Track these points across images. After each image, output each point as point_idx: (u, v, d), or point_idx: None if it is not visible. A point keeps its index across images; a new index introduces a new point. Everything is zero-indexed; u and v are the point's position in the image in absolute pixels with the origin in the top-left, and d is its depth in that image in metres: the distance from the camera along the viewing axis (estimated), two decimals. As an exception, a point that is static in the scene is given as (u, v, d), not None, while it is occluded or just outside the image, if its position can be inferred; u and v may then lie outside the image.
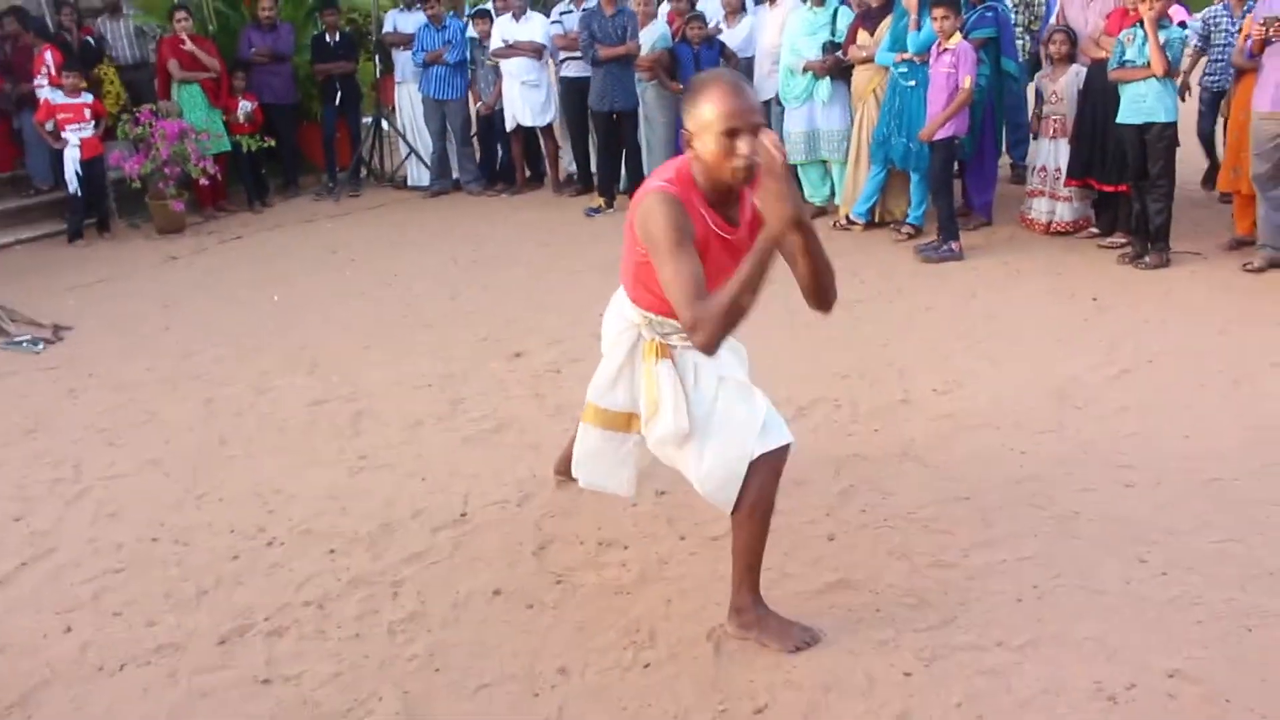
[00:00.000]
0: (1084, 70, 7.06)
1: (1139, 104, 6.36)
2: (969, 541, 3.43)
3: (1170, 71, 6.23)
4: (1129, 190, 6.73)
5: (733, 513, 2.86)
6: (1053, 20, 7.63)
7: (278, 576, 3.40)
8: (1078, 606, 3.07)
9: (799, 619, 3.01)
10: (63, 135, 8.33)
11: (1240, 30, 6.26)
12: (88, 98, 8.49)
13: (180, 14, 9.19)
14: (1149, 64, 6.21)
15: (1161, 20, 6.18)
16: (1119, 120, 6.49)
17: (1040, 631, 2.96)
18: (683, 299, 2.49)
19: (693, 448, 2.86)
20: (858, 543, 3.47)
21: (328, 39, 9.93)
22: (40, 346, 5.87)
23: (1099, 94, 6.84)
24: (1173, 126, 6.34)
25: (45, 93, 8.43)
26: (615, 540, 3.54)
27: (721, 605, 3.09)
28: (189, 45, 9.13)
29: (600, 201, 8.93)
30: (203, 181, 8.90)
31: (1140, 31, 6.27)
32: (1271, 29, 5.97)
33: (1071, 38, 7.20)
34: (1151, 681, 2.72)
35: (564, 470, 3.68)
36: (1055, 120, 7.23)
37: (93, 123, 8.46)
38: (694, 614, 3.09)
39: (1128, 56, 6.36)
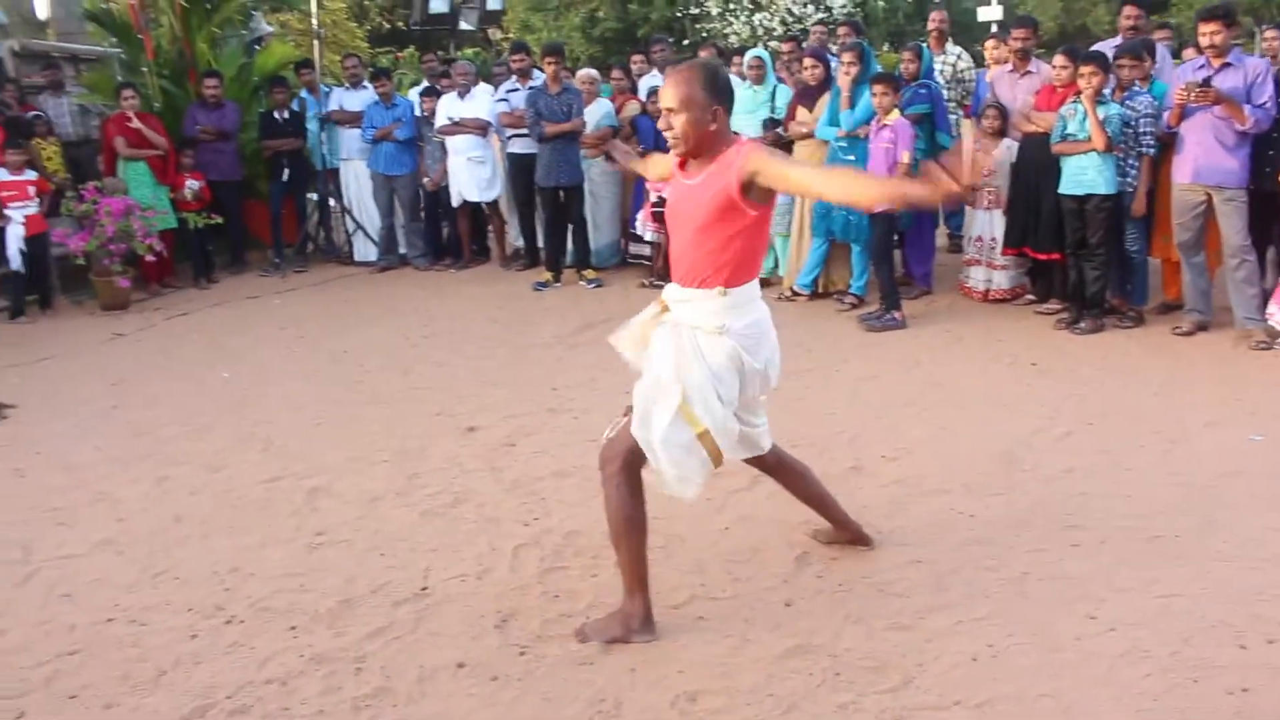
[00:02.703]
0: (1015, 144, 7.34)
1: (1080, 176, 6.63)
2: (924, 604, 3.50)
3: (1110, 146, 6.49)
4: (1063, 258, 6.97)
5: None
6: (985, 96, 7.92)
7: (238, 655, 3.37)
8: (1032, 664, 3.15)
9: (760, 685, 3.06)
10: (5, 212, 8.27)
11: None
12: (31, 174, 8.46)
13: (127, 91, 9.23)
14: (1090, 138, 6.47)
15: (1100, 96, 6.47)
16: (1061, 191, 6.74)
17: (997, 690, 3.03)
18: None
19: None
20: (815, 608, 3.53)
21: (276, 115, 10.00)
22: (-16, 427, 5.78)
23: (1032, 166, 7.12)
24: (1113, 198, 6.59)
25: (-12, 171, 8.38)
26: (576, 611, 3.56)
27: (685, 672, 3.14)
28: (136, 123, 9.15)
29: (548, 276, 9.03)
30: (148, 258, 8.86)
31: (1080, 107, 6.54)
32: (1192, 94, 6.24)
33: (1003, 113, 7.49)
34: (1106, 736, 2.80)
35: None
36: (989, 192, 7.49)
37: (36, 200, 8.42)
38: (658, 682, 3.12)
39: (1069, 130, 6.64)
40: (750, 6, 22.69)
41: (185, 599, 3.75)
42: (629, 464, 3.25)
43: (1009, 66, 7.77)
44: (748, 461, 3.63)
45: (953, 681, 3.08)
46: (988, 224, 7.56)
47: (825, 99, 7.71)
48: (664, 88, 3.18)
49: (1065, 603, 3.49)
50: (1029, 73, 7.57)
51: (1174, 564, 3.73)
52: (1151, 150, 6.56)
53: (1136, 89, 6.67)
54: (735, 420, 3.28)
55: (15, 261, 8.31)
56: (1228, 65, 6.29)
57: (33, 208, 8.37)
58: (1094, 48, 7.09)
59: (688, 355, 3.17)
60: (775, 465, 3.70)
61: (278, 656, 3.34)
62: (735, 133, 3.22)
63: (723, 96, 3.15)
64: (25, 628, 3.60)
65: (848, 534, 3.89)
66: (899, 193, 3.13)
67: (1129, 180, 6.69)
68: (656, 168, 3.88)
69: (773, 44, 9.77)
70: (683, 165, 3.27)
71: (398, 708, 3.06)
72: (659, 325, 3.31)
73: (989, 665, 3.16)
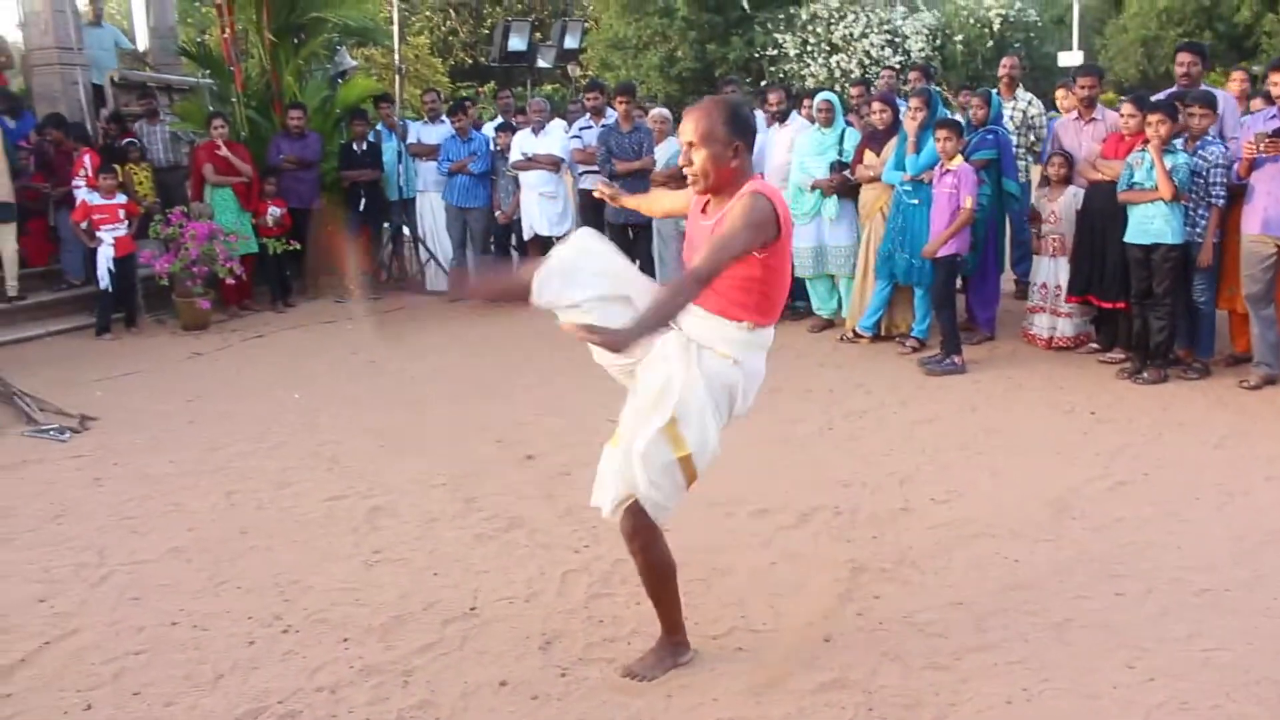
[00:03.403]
0: (1081, 191, 7.33)
1: (1147, 225, 6.60)
2: (962, 645, 3.53)
3: (1177, 195, 6.46)
4: (1128, 307, 6.94)
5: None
6: (1048, 145, 7.93)
7: (292, 663, 3.52)
8: (1067, 710, 3.17)
9: (792, 716, 3.13)
10: (97, 234, 8.66)
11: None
12: (122, 198, 8.85)
13: (217, 121, 9.64)
14: (1157, 187, 6.46)
15: (1168, 145, 6.45)
16: (1126, 240, 6.72)
17: (1029, 733, 3.05)
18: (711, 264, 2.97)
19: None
20: (853, 644, 3.58)
21: (355, 147, 10.32)
22: (67, 436, 6.05)
23: (1097, 214, 7.10)
24: (1180, 248, 6.55)
25: (82, 194, 8.77)
26: (619, 636, 3.65)
27: (720, 701, 3.21)
28: (224, 151, 9.52)
29: (613, 309, 9.14)
30: (229, 281, 9.20)
31: (1147, 155, 6.53)
32: (1262, 145, 6.20)
33: (1069, 161, 7.49)
34: (1135, 784, 2.81)
35: None
36: (1054, 239, 7.48)
37: (126, 222, 8.80)
38: (693, 709, 3.19)
39: (1136, 179, 6.62)
40: (828, 49, 22.82)
41: (246, 607, 3.91)
42: (639, 523, 3.20)
43: (1074, 114, 7.78)
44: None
45: (986, 723, 3.11)
46: (1053, 271, 7.55)
47: (893, 143, 7.77)
48: (684, 122, 3.15)
49: (1105, 651, 3.50)
50: (1094, 120, 7.57)
51: (1221, 618, 3.71)
52: (1221, 201, 6.51)
53: (1209, 139, 6.63)
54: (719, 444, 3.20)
55: (104, 281, 8.69)
56: (1299, 116, 6.25)
57: (122, 230, 8.75)
58: (1154, 97, 7.07)
59: (691, 372, 3.14)
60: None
61: (329, 666, 3.48)
62: (758, 173, 3.21)
63: (743, 133, 3.12)
64: (97, 627, 3.79)
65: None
66: (654, 315, 2.92)
67: (1198, 230, 6.64)
68: (662, 202, 3.90)
69: (849, 87, 9.90)
70: (705, 204, 3.26)
71: (441, 721, 3.17)
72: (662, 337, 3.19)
73: (1023, 708, 3.19)
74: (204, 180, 9.58)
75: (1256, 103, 6.90)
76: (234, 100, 10.66)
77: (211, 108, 10.73)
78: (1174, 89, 7.24)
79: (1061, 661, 3.44)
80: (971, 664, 3.43)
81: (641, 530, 3.20)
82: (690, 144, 3.12)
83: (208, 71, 11.63)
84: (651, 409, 3.14)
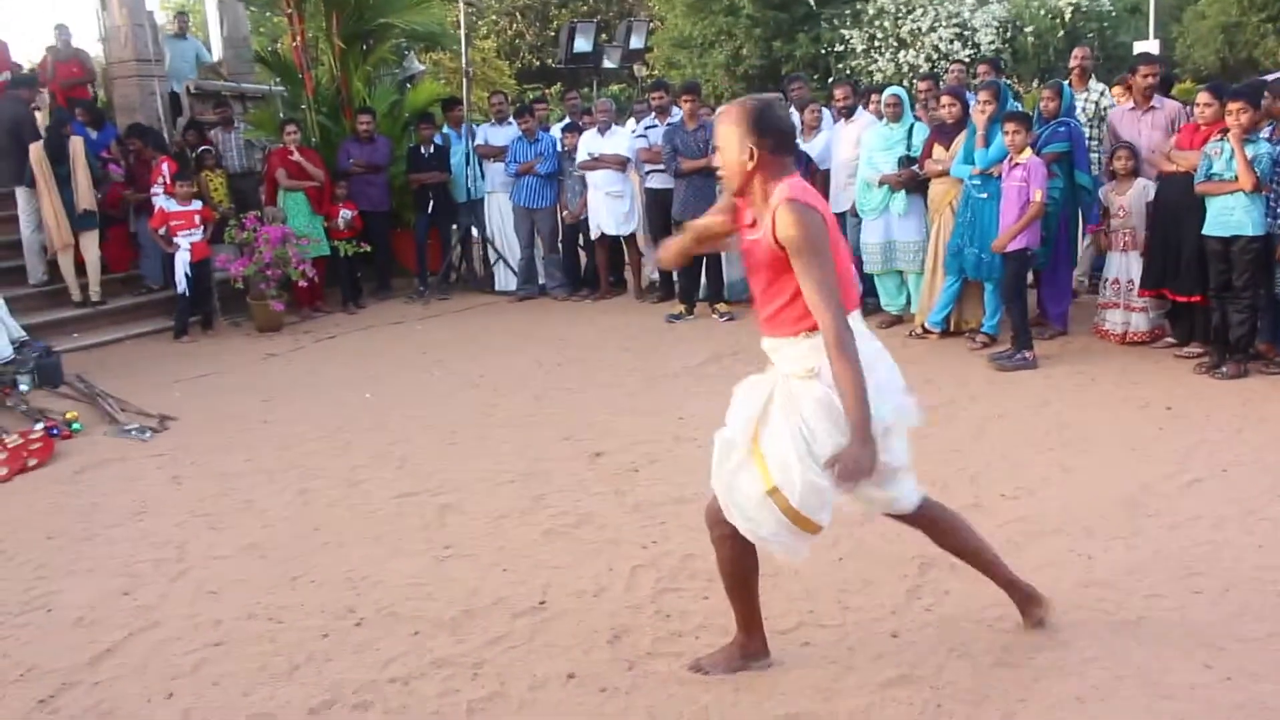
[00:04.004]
0: (1149, 184, 7.19)
1: (1226, 217, 6.45)
2: (1032, 642, 3.49)
3: (1259, 186, 6.31)
4: (1204, 300, 6.78)
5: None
6: (1107, 138, 7.78)
7: (365, 655, 3.58)
8: (1139, 708, 3.12)
9: (859, 711, 3.12)
10: (175, 240, 8.88)
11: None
12: (198, 205, 9.06)
13: (290, 127, 9.84)
14: (1237, 177, 6.31)
15: (1250, 134, 6.30)
16: (1205, 232, 6.57)
17: (1101, 731, 3.01)
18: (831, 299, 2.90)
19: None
20: (921, 640, 3.56)
21: (422, 150, 10.45)
22: (148, 435, 6.22)
23: (1172, 206, 6.96)
24: (1261, 239, 6.39)
25: (160, 201, 9.01)
26: (686, 630, 3.67)
27: (787, 695, 3.21)
28: (297, 156, 9.71)
29: (681, 309, 9.18)
30: (301, 283, 9.37)
31: (1227, 145, 6.39)
32: None
33: (1135, 153, 7.34)
34: (1212, 783, 2.76)
35: None
36: (1124, 233, 7.34)
37: (202, 228, 9.01)
38: (760, 703, 3.20)
39: (1215, 169, 6.48)
40: (895, 44, 22.59)
41: (319, 601, 3.99)
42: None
43: (1130, 104, 7.63)
44: (900, 519, 3.40)
45: (1055, 719, 3.07)
46: (1124, 266, 7.40)
47: (961, 137, 7.68)
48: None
49: (1181, 650, 3.43)
50: (1153, 109, 7.41)
51: (1302, 616, 3.63)
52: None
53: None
54: (823, 478, 2.95)
55: (181, 285, 8.92)
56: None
57: (198, 235, 8.96)
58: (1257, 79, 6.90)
59: (774, 403, 3.07)
60: (927, 524, 3.43)
61: (401, 658, 3.54)
62: (790, 171, 3.04)
63: (762, 134, 2.97)
64: (177, 620, 3.90)
65: (1016, 595, 3.54)
66: (851, 398, 2.89)
67: (1279, 222, 6.48)
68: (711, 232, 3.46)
69: (917, 81, 9.82)
70: (745, 216, 3.15)
71: (509, 714, 3.21)
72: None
73: (1093, 707, 3.14)
74: (277, 185, 9.79)
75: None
76: (305, 106, 10.86)
77: (284, 114, 10.93)
78: (1258, 78, 7.07)
79: (1136, 660, 3.38)
80: (1041, 661, 3.38)
81: (723, 521, 3.18)
82: (716, 148, 3.12)
83: (280, 79, 11.85)
84: (729, 447, 3.16)
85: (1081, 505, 4.67)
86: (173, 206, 8.94)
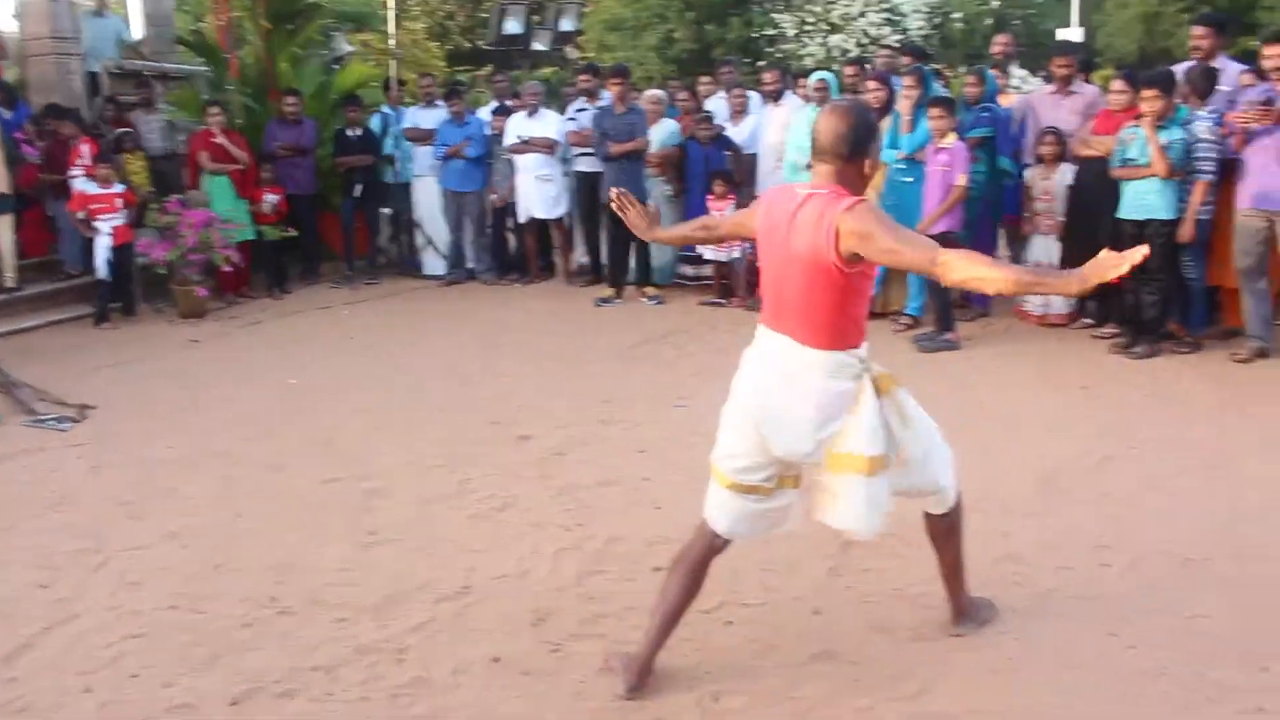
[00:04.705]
0: (1072, 168, 7.35)
1: (1140, 201, 6.63)
2: (950, 617, 3.57)
3: (1172, 172, 6.47)
4: (1120, 282, 6.94)
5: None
6: (1029, 122, 7.93)
7: (288, 643, 3.57)
8: (1050, 679, 3.22)
9: (781, 689, 3.18)
10: (94, 224, 8.68)
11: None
12: (119, 188, 8.87)
13: (213, 108, 9.65)
14: (1151, 163, 6.47)
15: (1163, 121, 6.46)
16: (1120, 215, 6.74)
17: (1012, 702, 3.11)
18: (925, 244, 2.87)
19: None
20: (843, 617, 3.63)
21: (349, 133, 10.33)
22: (66, 425, 6.09)
23: (1089, 190, 7.13)
24: (1172, 223, 6.57)
25: (80, 184, 8.79)
26: (610, 613, 3.70)
27: (711, 674, 3.27)
28: (220, 138, 9.54)
29: (610, 292, 9.20)
30: (226, 268, 9.22)
31: (1141, 131, 6.55)
32: (1255, 114, 6.22)
33: (1060, 138, 7.49)
34: (1115, 749, 2.87)
35: None
36: (1047, 217, 7.49)
37: (123, 211, 8.82)
38: (683, 681, 3.24)
39: (1129, 155, 6.64)
40: (826, 28, 22.73)
41: (242, 590, 3.96)
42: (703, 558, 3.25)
43: (1051, 88, 7.78)
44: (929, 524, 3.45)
45: (970, 691, 3.16)
46: (1044, 249, 7.57)
47: (887, 122, 7.78)
48: None
49: (1089, 621, 3.55)
50: (1072, 93, 7.57)
51: (1204, 588, 3.76)
52: (1207, 176, 6.52)
53: (1201, 113, 6.63)
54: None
55: (102, 270, 8.72)
56: (1291, 90, 6.27)
57: (119, 219, 8.77)
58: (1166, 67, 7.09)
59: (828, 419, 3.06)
60: (948, 528, 3.46)
61: (324, 646, 3.53)
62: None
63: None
64: (96, 612, 3.84)
65: (957, 604, 3.55)
66: (1032, 281, 2.98)
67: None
68: (724, 227, 3.75)
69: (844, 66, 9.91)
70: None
71: (434, 697, 3.22)
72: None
73: (1008, 677, 3.24)
74: (200, 168, 9.60)
75: (1246, 77, 6.89)
76: (229, 88, 10.68)
77: (207, 96, 10.73)
78: (1169, 66, 7.25)
79: (1047, 632, 3.49)
80: (958, 636, 3.47)
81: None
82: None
83: (203, 60, 11.63)
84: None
85: (998, 483, 4.77)
86: (93, 189, 8.73)
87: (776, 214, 3.08)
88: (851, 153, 2.98)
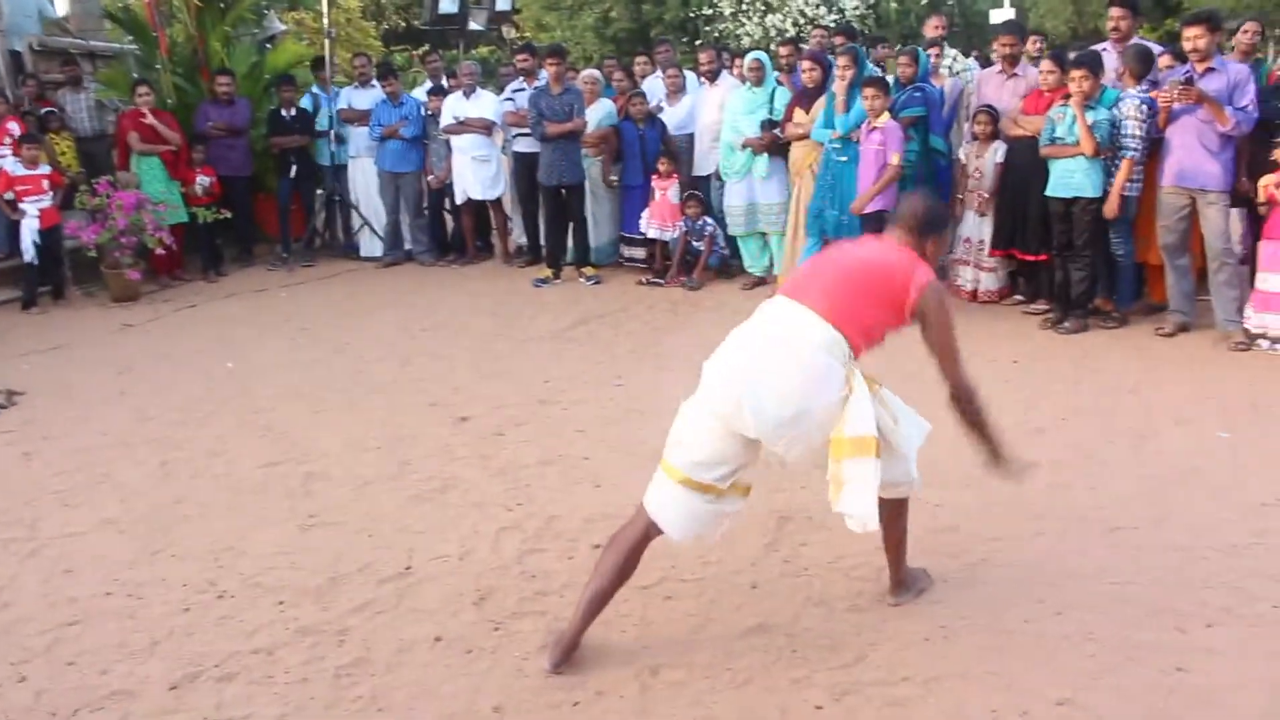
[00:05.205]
0: (1004, 147, 7.46)
1: (1068, 179, 6.75)
2: (884, 588, 3.65)
3: (1098, 151, 6.61)
4: (1050, 259, 7.11)
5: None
6: (972, 100, 8.04)
7: (228, 627, 3.56)
8: (980, 644, 3.31)
9: (718, 661, 3.24)
10: (20, 206, 8.49)
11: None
12: (46, 169, 8.68)
13: (142, 88, 9.46)
14: (1078, 142, 6.60)
15: (1090, 102, 6.59)
16: (1048, 193, 6.87)
17: (945, 668, 3.19)
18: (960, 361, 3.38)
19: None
20: (779, 590, 3.70)
21: (284, 114, 10.19)
22: (-6, 412, 5.98)
23: (1020, 169, 7.25)
24: (1099, 200, 6.71)
25: (5, 164, 8.58)
26: (551, 590, 3.73)
27: (650, 649, 3.31)
28: (150, 119, 9.36)
29: (548, 273, 9.19)
30: (159, 251, 9.07)
31: (1069, 110, 6.67)
32: (1175, 93, 6.37)
33: (994, 117, 7.60)
34: (1042, 710, 2.96)
35: None
36: (978, 194, 7.61)
37: (50, 193, 8.64)
38: (623, 656, 3.29)
39: (1058, 134, 6.77)
40: (763, 8, 22.77)
41: (181, 575, 3.94)
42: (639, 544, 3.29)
43: (997, 68, 7.90)
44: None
45: (904, 659, 3.24)
46: (976, 226, 7.69)
47: (822, 101, 7.85)
48: None
49: (1020, 588, 3.65)
50: (1015, 75, 7.69)
51: (1129, 553, 3.88)
52: (1130, 153, 6.66)
53: (1129, 92, 6.76)
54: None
55: (29, 254, 8.54)
56: (1211, 70, 6.42)
57: (47, 201, 8.58)
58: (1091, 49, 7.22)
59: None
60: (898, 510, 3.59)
61: (265, 629, 3.53)
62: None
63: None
64: (29, 600, 3.79)
65: (896, 575, 3.65)
66: (986, 444, 3.53)
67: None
68: None
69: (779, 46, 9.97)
70: None
71: (376, 677, 3.24)
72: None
73: (940, 645, 3.32)
74: (130, 149, 9.42)
75: (1164, 59, 7.05)
76: (159, 67, 10.46)
77: (136, 75, 10.50)
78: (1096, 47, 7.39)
79: (978, 600, 3.58)
80: (892, 606, 3.55)
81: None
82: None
83: (132, 37, 11.37)
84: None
85: (932, 456, 4.79)
86: (19, 170, 8.53)
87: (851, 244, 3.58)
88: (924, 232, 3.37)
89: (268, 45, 12.36)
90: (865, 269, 3.25)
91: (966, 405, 3.39)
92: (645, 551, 3.30)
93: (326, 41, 11.03)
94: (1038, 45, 7.97)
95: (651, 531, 3.26)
